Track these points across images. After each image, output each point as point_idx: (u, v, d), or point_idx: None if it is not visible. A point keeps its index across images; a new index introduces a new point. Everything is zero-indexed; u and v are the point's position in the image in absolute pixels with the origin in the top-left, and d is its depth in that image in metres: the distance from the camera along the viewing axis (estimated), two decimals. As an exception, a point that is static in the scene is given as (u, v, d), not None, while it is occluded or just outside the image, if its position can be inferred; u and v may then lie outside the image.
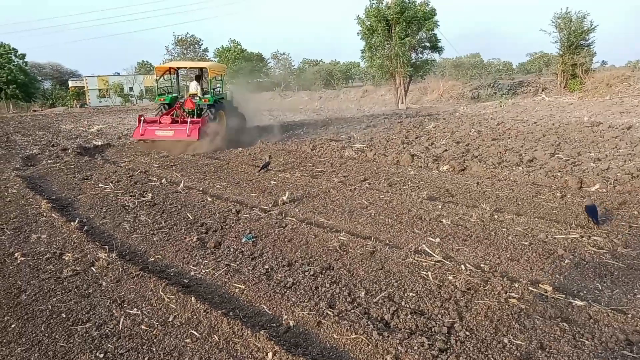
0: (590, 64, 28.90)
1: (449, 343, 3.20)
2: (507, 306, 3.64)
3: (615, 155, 9.27)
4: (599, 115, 17.31)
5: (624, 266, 4.31)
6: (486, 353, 3.07)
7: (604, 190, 7.02)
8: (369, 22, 26.49)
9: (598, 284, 3.99)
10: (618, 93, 25.76)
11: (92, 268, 4.75)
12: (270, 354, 3.10)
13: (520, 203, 6.59)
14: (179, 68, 15.05)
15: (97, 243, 5.47)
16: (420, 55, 27.86)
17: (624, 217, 5.72)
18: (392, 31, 25.79)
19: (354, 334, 3.33)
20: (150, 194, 7.79)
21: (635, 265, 4.31)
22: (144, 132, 13.18)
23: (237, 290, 4.21)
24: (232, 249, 5.20)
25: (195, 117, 13.28)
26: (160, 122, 13.21)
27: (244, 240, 5.47)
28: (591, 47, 28.37)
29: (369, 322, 3.47)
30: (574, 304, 3.61)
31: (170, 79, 15.45)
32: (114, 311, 3.84)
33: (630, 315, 3.43)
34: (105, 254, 4.97)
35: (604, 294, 3.83)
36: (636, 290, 3.86)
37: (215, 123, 13.43)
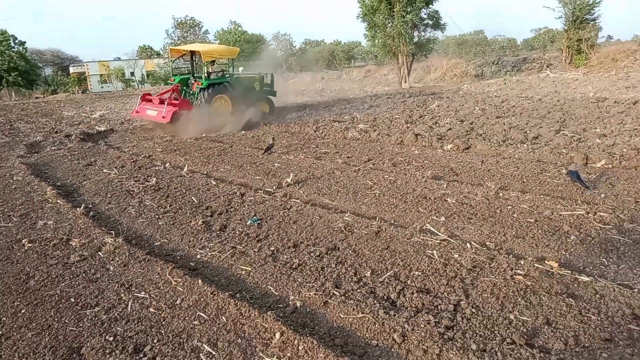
0: (596, 39, 28.44)
1: (455, 320, 3.22)
2: (512, 283, 3.65)
3: (621, 131, 9.18)
4: (605, 90, 17.12)
5: (630, 241, 4.30)
6: (492, 329, 3.08)
7: (610, 166, 6.98)
8: (369, 1, 26.09)
9: (604, 260, 3.99)
10: (624, 68, 25.42)
11: (99, 253, 4.78)
12: (277, 335, 3.13)
13: (525, 180, 6.57)
14: (193, 51, 14.99)
15: (104, 228, 5.50)
16: (423, 34, 27.51)
17: (630, 192, 5.69)
18: (394, 9, 25.42)
19: (360, 313, 3.35)
20: (154, 179, 7.81)
21: (641, 241, 4.30)
22: (139, 110, 13.88)
23: (243, 272, 4.23)
24: (237, 232, 5.22)
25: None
26: (152, 102, 13.42)
27: (249, 222, 5.48)
28: (596, 21, 27.88)
29: (375, 302, 3.49)
30: (580, 279, 3.62)
31: (191, 61, 15.39)
32: (122, 295, 3.88)
33: (636, 290, 3.44)
34: (112, 239, 5.00)
35: (610, 269, 3.83)
36: (642, 265, 3.85)
37: (207, 107, 13.47)
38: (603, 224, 4.73)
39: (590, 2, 27.01)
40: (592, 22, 27.79)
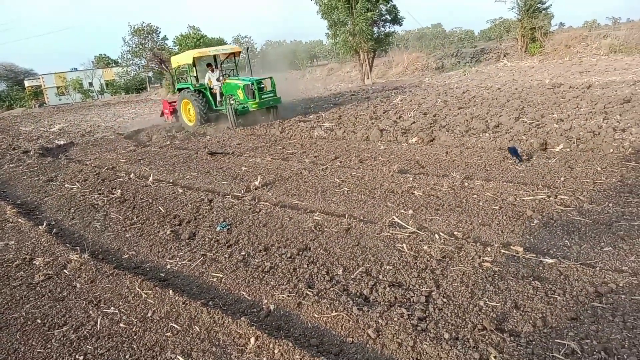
0: (549, 27, 29.35)
1: (427, 311, 3.27)
2: (481, 270, 3.73)
3: (577, 115, 9.49)
4: (560, 76, 17.66)
5: (590, 222, 4.45)
6: (463, 317, 3.14)
7: (568, 149, 7.20)
8: (327, 0, 26.12)
9: (566, 241, 4.12)
10: (577, 53, 26.29)
11: (64, 271, 4.65)
12: (252, 340, 3.11)
13: (488, 169, 6.71)
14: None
15: (68, 245, 5.35)
16: (382, 29, 27.76)
17: (588, 174, 5.89)
18: (354, 7, 25.55)
19: (334, 311, 3.36)
20: (119, 190, 7.64)
21: (600, 220, 4.45)
22: None
23: (215, 279, 4.19)
24: (207, 239, 5.16)
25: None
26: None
27: (218, 228, 5.43)
28: (548, 9, 28.78)
29: (348, 299, 3.51)
30: (544, 262, 3.72)
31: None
32: (90, 312, 3.78)
33: (598, 268, 3.56)
34: (77, 255, 4.87)
35: (573, 250, 3.95)
36: (603, 243, 3.99)
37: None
38: (564, 206, 4.88)
39: (541, -9, 27.83)
40: (544, 11, 28.64)
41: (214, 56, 15.98)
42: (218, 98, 15.03)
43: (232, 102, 14.31)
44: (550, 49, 27.97)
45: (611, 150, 6.81)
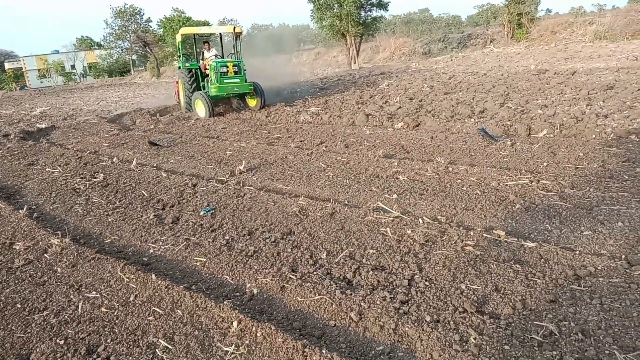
0: (535, 13, 29.44)
1: (409, 294, 3.29)
2: (463, 254, 3.76)
3: (561, 101, 9.57)
4: (545, 62, 17.76)
5: (571, 206, 4.50)
6: (445, 300, 3.17)
7: (552, 135, 7.27)
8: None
9: (547, 225, 4.16)
10: (562, 40, 26.44)
11: (45, 255, 4.59)
12: (235, 323, 3.11)
13: (473, 154, 6.75)
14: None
15: (49, 229, 5.27)
16: (369, 13, 27.58)
17: (570, 159, 5.95)
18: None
19: (317, 295, 3.37)
20: (102, 175, 7.54)
21: (581, 205, 4.51)
22: None
23: (198, 263, 4.16)
24: (190, 223, 5.13)
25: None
26: None
27: (202, 213, 5.39)
28: (535, -5, 28.81)
29: (331, 282, 3.52)
30: (525, 245, 3.76)
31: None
32: (71, 296, 3.74)
33: (577, 252, 3.61)
34: (58, 240, 4.80)
35: (553, 234, 4.00)
36: (582, 227, 4.05)
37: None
38: (546, 191, 4.93)
39: (528, -23, 27.83)
40: (531, -4, 28.67)
41: (219, 35, 15.71)
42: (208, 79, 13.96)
43: (210, 85, 13.36)
44: (537, 35, 28.09)
45: (593, 136, 6.88)
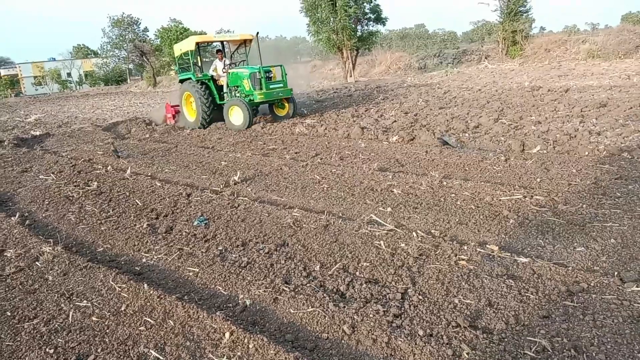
0: (529, 30, 29.85)
1: (403, 308, 3.29)
2: (457, 268, 3.76)
3: (555, 118, 9.65)
4: (539, 79, 17.94)
5: (564, 222, 4.53)
6: (438, 314, 3.17)
7: (545, 151, 7.32)
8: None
9: (541, 241, 4.18)
10: (556, 57, 26.76)
11: (36, 263, 4.55)
12: (227, 334, 3.09)
13: (467, 168, 6.78)
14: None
15: (41, 237, 5.24)
16: (366, 28, 27.84)
17: (564, 175, 5.99)
18: (337, 4, 25.55)
19: (310, 307, 3.36)
20: (95, 183, 7.51)
21: (574, 221, 4.53)
22: None
23: (191, 273, 4.14)
24: (184, 233, 5.11)
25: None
26: None
27: (195, 223, 5.37)
28: (529, 13, 29.24)
29: (324, 295, 3.50)
30: (518, 261, 3.77)
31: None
32: (62, 305, 3.71)
33: (570, 268, 3.62)
34: (50, 248, 4.77)
35: (546, 250, 4.01)
36: (575, 244, 4.07)
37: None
38: (539, 206, 4.95)
39: (523, -5, 28.24)
40: (525, 14, 29.07)
41: (222, 44, 14.45)
42: (225, 90, 13.41)
43: (237, 94, 12.83)
44: (531, 53, 28.42)
45: (586, 153, 6.94)
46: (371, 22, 27.69)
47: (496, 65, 28.14)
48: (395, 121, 10.96)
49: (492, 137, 8.33)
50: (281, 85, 12.72)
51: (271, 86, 12.44)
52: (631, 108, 9.77)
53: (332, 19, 26.19)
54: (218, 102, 13.36)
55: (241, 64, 14.12)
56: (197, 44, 13.27)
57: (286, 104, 13.21)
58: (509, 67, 25.86)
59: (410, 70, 32.85)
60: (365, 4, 26.25)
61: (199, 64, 13.77)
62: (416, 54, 36.05)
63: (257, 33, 13.58)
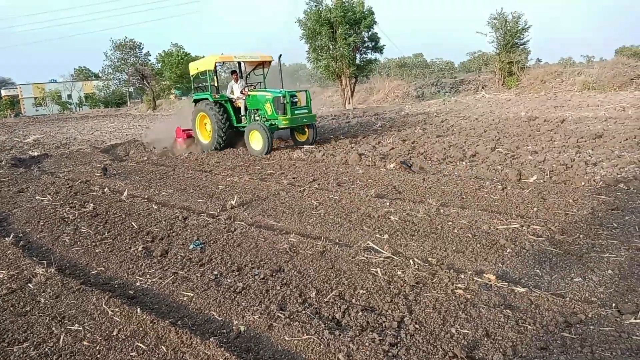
0: (526, 62, 30.24)
1: (399, 337, 3.24)
2: (453, 297, 3.73)
3: (551, 148, 9.73)
4: (535, 110, 18.14)
5: (561, 252, 4.51)
6: (435, 344, 3.12)
7: (542, 181, 7.35)
8: (310, 25, 26.48)
9: (538, 271, 4.16)
10: (552, 89, 27.10)
11: (29, 285, 4.49)
12: (220, 361, 3.03)
13: (464, 197, 6.79)
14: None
15: (35, 258, 5.19)
16: (364, 56, 28.23)
17: (560, 205, 6.00)
18: (336, 32, 25.98)
19: (305, 334, 3.31)
20: (91, 204, 7.49)
21: (571, 251, 4.52)
22: None
23: (185, 298, 4.09)
24: (179, 257, 5.07)
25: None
26: None
27: (191, 247, 5.34)
28: (526, 45, 29.71)
29: (320, 322, 3.46)
30: (516, 290, 3.75)
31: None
32: (53, 328, 3.65)
33: (568, 299, 3.60)
34: (43, 269, 4.71)
35: (544, 280, 3.99)
36: (573, 274, 4.05)
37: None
38: (536, 236, 4.95)
39: (519, 28, 28.76)
40: (521, 46, 29.55)
41: (239, 65, 14.06)
42: (242, 112, 13.12)
43: (257, 117, 12.51)
44: (527, 83, 28.79)
45: (583, 183, 6.97)
46: (369, 50, 28.09)
47: (493, 95, 28.48)
48: (392, 148, 11.02)
49: (489, 166, 8.37)
50: (306, 110, 12.43)
51: (296, 112, 12.13)
52: (627, 139, 9.87)
53: (331, 46, 26.59)
54: (235, 124, 13.11)
55: (258, 86, 13.87)
56: (216, 63, 13.05)
57: (307, 130, 12.91)
58: (506, 97, 26.16)
59: (408, 98, 33.20)
60: (363, 32, 26.66)
61: (216, 84, 13.43)
62: (414, 82, 36.49)
63: (280, 56, 13.34)
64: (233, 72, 13.88)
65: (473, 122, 15.56)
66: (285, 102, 11.79)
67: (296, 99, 12.29)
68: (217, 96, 13.07)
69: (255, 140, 12.12)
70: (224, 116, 12.77)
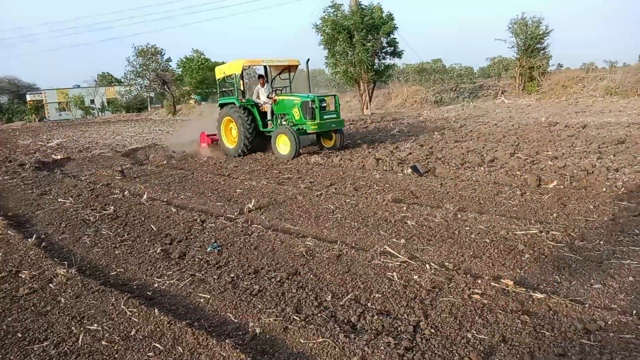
0: (547, 67, 29.89)
1: (414, 341, 3.23)
2: (470, 302, 3.70)
3: (572, 153, 9.58)
4: (556, 115, 17.90)
5: (581, 258, 4.45)
6: (450, 349, 3.10)
7: (562, 186, 7.24)
8: (328, 31, 26.51)
9: (557, 277, 4.10)
10: (573, 94, 26.71)
11: (50, 285, 4.59)
12: (235, 362, 3.05)
13: (482, 202, 6.73)
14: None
15: (56, 259, 5.29)
16: (383, 61, 28.18)
17: (580, 211, 5.91)
18: (354, 38, 26.00)
19: (320, 337, 3.32)
20: (112, 207, 7.61)
21: (591, 257, 4.45)
22: None
23: (202, 300, 4.14)
24: (197, 259, 5.12)
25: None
26: None
27: (209, 249, 5.39)
28: (546, 50, 29.36)
29: (335, 325, 3.46)
30: (534, 296, 3.70)
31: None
32: (73, 328, 3.72)
33: (587, 305, 3.54)
34: (64, 270, 4.81)
35: (563, 286, 3.94)
36: (592, 280, 3.98)
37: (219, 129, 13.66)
38: (555, 242, 4.88)
39: (540, 32, 28.43)
40: (542, 51, 29.21)
41: (265, 69, 13.96)
42: (268, 117, 12.99)
43: (284, 122, 12.41)
44: (548, 89, 28.42)
45: (604, 189, 6.85)
46: (388, 56, 28.02)
47: (513, 100, 28.17)
48: (410, 153, 10.98)
49: (507, 171, 8.28)
50: (334, 116, 12.30)
51: (325, 116, 11.98)
52: (650, 145, 9.66)
53: (349, 52, 26.59)
54: (261, 129, 12.99)
55: (284, 91, 13.77)
56: (244, 67, 12.92)
57: (334, 135, 12.75)
58: (526, 103, 25.87)
59: (427, 103, 33.03)
60: (382, 38, 26.62)
61: (243, 89, 13.29)
62: (433, 88, 36.26)
63: (308, 60, 13.23)
64: (260, 76, 13.72)
65: (492, 127, 15.42)
66: (314, 106, 11.73)
67: (325, 104, 12.14)
68: (243, 100, 12.98)
69: (283, 144, 12.03)
70: (249, 119, 12.63)
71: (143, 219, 6.91)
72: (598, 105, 20.89)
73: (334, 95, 12.69)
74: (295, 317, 3.63)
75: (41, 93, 67.60)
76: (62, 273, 4.74)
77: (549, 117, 17.17)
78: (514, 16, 29.41)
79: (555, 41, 49.83)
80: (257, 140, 13.01)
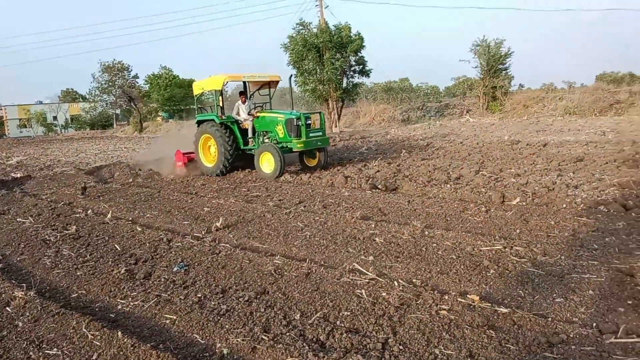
0: (509, 87, 30.87)
1: (383, 358, 3.23)
2: (437, 318, 3.74)
3: (533, 171, 9.89)
4: (518, 134, 18.46)
5: (543, 273, 4.56)
6: (419, 366, 3.12)
7: (524, 203, 7.45)
8: (296, 49, 26.78)
9: (520, 291, 4.19)
10: (534, 113, 27.65)
11: (7, 308, 4.40)
12: (202, 385, 2.99)
13: (448, 219, 6.84)
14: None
15: (14, 281, 5.10)
16: (351, 80, 28.58)
17: (542, 227, 6.08)
18: (324, 56, 26.32)
19: (289, 357, 3.28)
20: (74, 227, 7.39)
21: (553, 272, 4.57)
22: None
23: (167, 321, 4.04)
24: (162, 279, 5.01)
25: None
26: None
27: (175, 269, 5.29)
28: (508, 71, 30.36)
29: (304, 344, 3.44)
30: (499, 311, 3.77)
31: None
32: (30, 353, 3.57)
33: (550, 319, 3.62)
34: (22, 292, 4.63)
35: (526, 300, 4.02)
36: (555, 295, 4.09)
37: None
38: (519, 257, 5.00)
39: (502, 54, 29.42)
40: (504, 72, 30.18)
41: (245, 85, 13.46)
42: (249, 135, 12.53)
43: (267, 140, 11.98)
44: (510, 108, 29.33)
45: (564, 206, 7.07)
46: (356, 74, 28.45)
47: (477, 119, 28.95)
48: (378, 171, 11.11)
49: (473, 188, 8.47)
50: (320, 133, 11.98)
51: (311, 134, 11.64)
52: (607, 163, 10.07)
53: (318, 70, 26.88)
54: (242, 147, 12.58)
55: (265, 107, 13.27)
56: (224, 83, 12.41)
57: (318, 154, 12.35)
58: (490, 122, 26.62)
59: (394, 122, 33.57)
60: (350, 56, 27.05)
61: (222, 105, 12.87)
62: (400, 106, 36.94)
63: (291, 76, 12.93)
64: (241, 92, 13.29)
65: (458, 145, 15.77)
66: (299, 124, 11.46)
67: (310, 121, 11.86)
68: (223, 117, 12.61)
69: (267, 163, 11.65)
70: (230, 138, 12.24)
71: (107, 238, 6.73)
72: (557, 124, 21.67)
73: (319, 113, 12.53)
74: (263, 337, 3.59)
75: (1, 109, 65.59)
76: (20, 296, 4.56)
77: (511, 136, 17.69)
78: (476, 38, 30.42)
79: (516, 62, 51.62)
80: (239, 159, 12.65)
